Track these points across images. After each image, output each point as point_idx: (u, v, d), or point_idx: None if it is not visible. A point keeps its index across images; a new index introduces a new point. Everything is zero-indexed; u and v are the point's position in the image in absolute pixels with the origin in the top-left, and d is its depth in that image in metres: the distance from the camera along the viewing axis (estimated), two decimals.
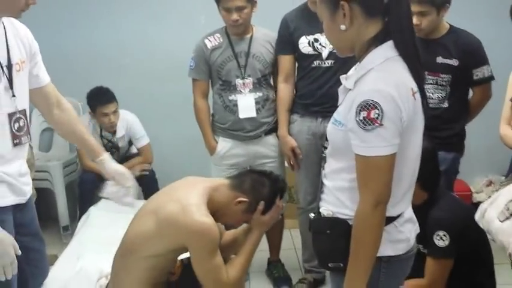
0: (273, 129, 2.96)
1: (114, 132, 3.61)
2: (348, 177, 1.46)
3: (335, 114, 1.48)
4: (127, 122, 3.59)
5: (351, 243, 1.43)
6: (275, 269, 3.16)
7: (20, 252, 1.74)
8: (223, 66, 2.84)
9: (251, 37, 2.85)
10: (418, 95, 1.42)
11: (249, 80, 2.84)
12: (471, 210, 2.21)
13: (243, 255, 1.96)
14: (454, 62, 2.55)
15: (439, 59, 2.56)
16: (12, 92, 1.80)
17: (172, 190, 1.98)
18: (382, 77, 1.37)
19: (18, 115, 1.84)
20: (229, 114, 2.88)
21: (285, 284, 3.08)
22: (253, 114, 2.86)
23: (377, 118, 1.33)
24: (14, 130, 1.83)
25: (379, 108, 1.33)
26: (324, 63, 2.71)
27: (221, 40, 2.86)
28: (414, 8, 2.42)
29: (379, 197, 1.38)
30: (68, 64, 3.89)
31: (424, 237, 2.20)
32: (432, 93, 2.60)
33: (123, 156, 3.68)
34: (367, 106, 1.34)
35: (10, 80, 1.79)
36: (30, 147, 3.20)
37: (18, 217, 1.91)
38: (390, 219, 1.46)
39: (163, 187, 2.17)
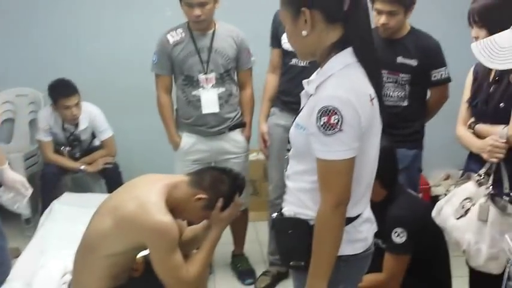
0: (237, 125, 2.99)
1: (76, 125, 3.56)
2: (310, 179, 1.50)
3: (297, 119, 1.52)
4: (90, 115, 3.54)
5: (313, 243, 1.47)
6: (239, 262, 3.21)
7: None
8: (186, 61, 2.83)
9: (213, 32, 2.84)
10: (375, 101, 1.47)
11: (212, 75, 2.84)
12: (429, 208, 2.29)
13: (203, 251, 1.98)
14: (413, 62, 2.61)
15: (399, 59, 2.61)
16: None
17: (131, 188, 1.98)
18: (341, 84, 1.41)
19: None
20: (193, 110, 2.89)
21: (249, 277, 3.14)
22: (216, 109, 2.87)
23: (337, 123, 1.37)
24: None
25: (338, 113, 1.37)
26: (300, 62, 2.73)
27: (183, 35, 2.84)
28: (384, 7, 2.48)
29: (339, 199, 1.43)
30: (29, 53, 3.81)
31: (383, 233, 2.27)
32: (392, 92, 2.66)
33: (85, 149, 3.64)
34: (327, 112, 1.37)
35: None
36: None
37: None
38: (349, 220, 1.51)
39: (127, 180, 2.16)
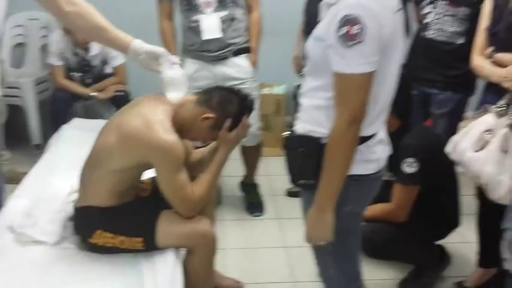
0: (242, 50, 2.86)
1: (87, 50, 3.49)
2: (325, 95, 1.44)
3: (316, 30, 1.45)
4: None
5: (324, 160, 1.43)
6: (249, 193, 3.18)
7: None
8: None
9: None
10: (400, 14, 1.38)
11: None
12: (441, 140, 2.24)
13: (209, 172, 1.94)
14: None
15: None
16: None
17: (137, 105, 1.92)
18: None
19: None
20: (194, 36, 2.78)
21: (257, 210, 3.12)
22: (218, 34, 2.75)
23: (358, 34, 1.30)
24: None
25: (361, 23, 1.29)
26: None
27: None
28: None
29: (354, 115, 1.37)
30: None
31: (394, 166, 2.24)
32: (449, 26, 2.51)
33: (97, 76, 3.59)
34: (349, 21, 1.30)
35: None
36: (2, 61, 3.12)
37: None
38: (363, 139, 1.46)
39: None
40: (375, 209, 2.31)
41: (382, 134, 1.57)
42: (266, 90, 3.77)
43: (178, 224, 1.90)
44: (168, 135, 1.77)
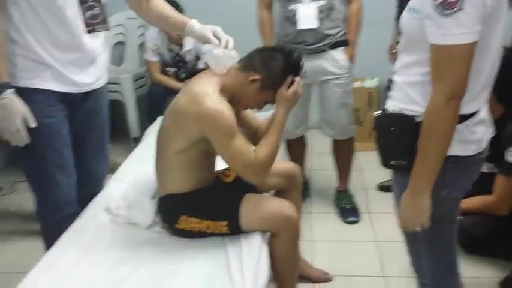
0: (339, 43, 2.74)
1: (181, 46, 3.60)
2: (420, 71, 1.36)
3: (411, 1, 1.36)
4: None
5: (420, 138, 1.34)
6: (343, 199, 3.04)
7: (33, 125, 1.85)
8: None
9: None
10: None
11: None
12: None
13: (271, 133, 1.89)
14: None
15: None
16: None
17: (187, 85, 1.94)
18: None
19: (90, 3, 1.86)
20: (289, 26, 2.70)
21: (351, 215, 2.95)
22: (314, 24, 2.64)
23: (457, 1, 1.20)
24: (85, 17, 1.86)
25: None
26: None
27: None
28: None
29: (454, 90, 1.27)
30: None
31: (496, 156, 2.08)
32: None
33: (190, 71, 3.68)
34: None
35: None
36: None
37: (76, 107, 2.01)
38: (463, 118, 1.36)
39: None
40: (474, 201, 2.17)
41: (484, 113, 1.45)
42: (358, 84, 3.68)
43: (262, 207, 1.90)
44: (214, 104, 1.76)
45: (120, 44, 4.21)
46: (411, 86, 1.40)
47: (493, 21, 1.28)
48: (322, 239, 2.76)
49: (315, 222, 2.92)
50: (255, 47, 1.98)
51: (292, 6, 2.66)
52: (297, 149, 3.06)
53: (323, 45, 2.72)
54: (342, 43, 2.76)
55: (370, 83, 3.85)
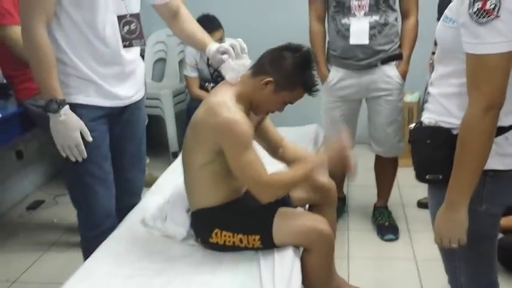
0: (391, 58, 2.68)
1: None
2: (457, 82, 1.33)
3: (446, 11, 1.34)
4: None
5: (456, 151, 1.31)
6: (380, 215, 2.97)
7: (90, 139, 1.91)
8: None
9: None
10: None
11: (365, 1, 2.56)
12: None
13: (298, 169, 1.87)
14: None
15: None
16: None
17: (205, 98, 1.96)
18: None
19: (128, 18, 1.93)
20: (341, 40, 2.66)
21: (389, 233, 2.87)
22: (366, 41, 2.60)
23: (493, 9, 1.18)
24: (123, 33, 1.93)
25: None
26: None
27: None
28: None
29: (491, 101, 1.24)
30: None
31: None
32: None
33: None
34: None
35: None
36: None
37: (115, 120, 2.06)
38: (501, 130, 1.32)
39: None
40: None
41: None
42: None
43: (294, 222, 1.88)
44: (230, 114, 1.76)
45: (161, 61, 4.31)
46: (447, 97, 1.37)
47: None
48: (359, 256, 2.71)
49: (352, 239, 2.87)
50: None
51: (344, 20, 2.63)
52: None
53: (374, 60, 2.67)
54: (395, 57, 2.70)
55: (411, 98, 3.78)
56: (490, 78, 1.23)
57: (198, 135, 1.86)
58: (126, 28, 1.94)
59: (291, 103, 1.94)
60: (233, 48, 1.98)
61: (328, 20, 2.76)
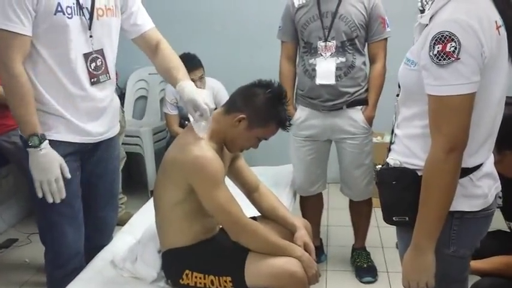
0: (357, 102, 2.68)
1: None
2: (420, 123, 1.34)
3: (408, 54, 1.36)
4: (213, 90, 3.60)
5: (421, 192, 1.30)
6: (358, 257, 2.94)
7: (69, 176, 1.88)
8: (306, 27, 2.63)
9: None
10: (503, 30, 1.25)
11: (332, 43, 2.59)
12: None
13: (271, 235, 1.89)
14: None
15: None
16: (90, 33, 1.91)
17: (176, 138, 1.98)
18: (461, 8, 1.23)
19: (94, 55, 1.93)
20: (307, 79, 2.68)
21: (367, 275, 2.84)
22: (332, 81, 2.60)
23: (453, 52, 1.19)
24: (90, 69, 1.92)
25: (456, 40, 1.19)
26: None
27: None
28: None
29: (453, 142, 1.24)
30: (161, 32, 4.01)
31: None
32: None
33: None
34: (442, 38, 1.20)
35: (90, 22, 1.91)
36: (122, 111, 3.36)
37: (87, 157, 2.03)
38: (466, 171, 1.32)
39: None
40: (494, 262, 2.05)
41: (489, 166, 1.40)
42: (377, 139, 3.63)
43: (267, 263, 1.84)
44: (200, 152, 1.77)
45: (142, 98, 4.31)
46: (412, 139, 1.37)
47: (492, 72, 1.26)
48: None
49: (330, 280, 2.82)
50: None
51: (312, 60, 2.66)
52: (311, 207, 2.96)
53: (340, 102, 2.67)
54: (361, 102, 2.70)
55: (389, 138, 3.79)
56: (452, 120, 1.24)
57: (169, 174, 1.86)
58: (93, 65, 1.94)
59: (265, 139, 1.94)
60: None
61: (298, 60, 2.80)
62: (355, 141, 2.72)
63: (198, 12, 4.06)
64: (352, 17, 2.59)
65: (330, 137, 2.77)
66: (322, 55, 2.63)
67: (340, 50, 2.62)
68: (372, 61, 2.74)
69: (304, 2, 2.65)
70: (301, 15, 2.66)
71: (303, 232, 2.05)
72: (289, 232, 2.08)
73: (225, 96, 3.62)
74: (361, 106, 2.71)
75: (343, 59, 2.62)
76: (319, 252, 2.95)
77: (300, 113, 2.77)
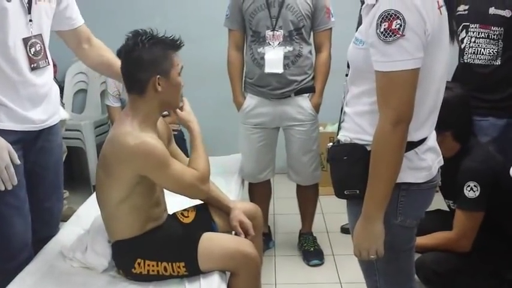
0: (305, 89, 2.75)
1: None
2: (368, 100, 1.40)
3: (356, 34, 1.42)
4: None
5: (370, 164, 1.36)
6: (305, 241, 3.01)
7: (18, 162, 1.83)
8: (254, 16, 2.68)
9: None
10: (444, 10, 1.34)
11: (280, 33, 2.65)
12: (504, 163, 2.10)
13: (195, 149, 1.92)
14: (506, 13, 2.35)
15: (492, 10, 2.37)
16: (30, 17, 1.86)
17: (108, 134, 1.93)
18: None
19: (33, 39, 1.89)
20: (256, 68, 2.73)
21: (315, 258, 2.91)
22: (280, 70, 2.67)
23: (399, 29, 1.26)
24: (30, 54, 1.87)
25: (401, 18, 1.26)
26: None
27: None
28: None
29: (400, 115, 1.31)
30: (101, 25, 3.89)
31: (454, 192, 2.12)
32: (484, 49, 2.41)
33: None
34: (388, 16, 1.27)
35: (29, 6, 1.86)
36: (62, 104, 3.27)
37: (29, 146, 1.98)
38: (411, 145, 1.39)
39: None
40: (436, 237, 2.18)
41: (432, 141, 1.49)
42: (320, 129, 3.72)
43: (219, 245, 1.87)
44: (138, 140, 1.72)
45: (82, 92, 4.20)
46: (360, 116, 1.43)
47: (435, 49, 1.34)
48: (286, 282, 2.72)
49: (279, 265, 2.88)
50: None
51: (260, 49, 2.70)
52: (260, 194, 3.01)
53: (288, 90, 2.73)
54: (308, 89, 2.77)
55: (332, 128, 3.90)
56: (398, 94, 1.30)
57: (110, 170, 1.80)
58: (33, 50, 1.89)
59: (180, 72, 1.85)
60: None
61: (246, 49, 2.83)
62: (303, 128, 2.79)
63: (141, 7, 4.02)
64: (299, 7, 2.65)
65: (279, 124, 2.83)
66: (270, 44, 2.68)
67: (288, 39, 2.68)
68: (318, 50, 2.81)
69: None
70: (249, 4, 2.69)
71: (236, 212, 2.09)
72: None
73: None
74: (308, 94, 2.78)
75: (291, 48, 2.68)
76: (267, 239, 3.00)
77: (249, 101, 2.81)
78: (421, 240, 2.15)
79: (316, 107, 2.80)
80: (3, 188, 1.81)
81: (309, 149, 2.85)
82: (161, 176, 1.78)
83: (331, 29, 2.77)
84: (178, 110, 1.93)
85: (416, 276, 2.14)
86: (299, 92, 2.76)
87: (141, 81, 1.77)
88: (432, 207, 2.51)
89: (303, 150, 2.84)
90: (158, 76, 1.77)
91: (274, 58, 2.68)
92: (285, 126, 2.84)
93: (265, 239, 2.87)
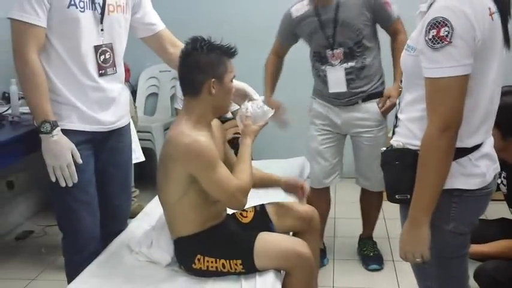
0: (372, 96, 2.71)
1: None
2: (420, 107, 1.41)
3: (408, 41, 1.44)
4: None
5: (417, 168, 1.38)
6: (365, 246, 3.01)
7: (80, 161, 1.97)
8: (311, 37, 2.68)
9: (337, 2, 2.57)
10: (496, 16, 1.33)
11: (340, 50, 2.62)
12: None
13: (241, 161, 1.95)
14: None
15: None
16: (102, 27, 2.02)
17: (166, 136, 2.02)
18: None
19: (103, 48, 2.03)
20: (321, 83, 2.75)
21: (374, 263, 2.90)
22: (344, 88, 2.67)
23: (447, 36, 1.27)
24: (99, 61, 2.02)
25: (449, 25, 1.27)
26: None
27: (308, 8, 2.64)
28: None
29: (447, 122, 1.31)
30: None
31: None
32: None
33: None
34: (436, 24, 1.29)
35: (102, 16, 2.01)
36: (135, 107, 3.45)
37: (100, 146, 2.12)
38: (464, 151, 1.39)
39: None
40: (498, 246, 2.14)
41: (488, 147, 1.47)
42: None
43: (275, 245, 1.92)
44: (191, 138, 1.81)
45: (153, 95, 4.41)
46: (412, 121, 1.45)
47: (487, 55, 1.34)
48: (344, 286, 2.73)
49: (337, 269, 2.90)
50: None
51: (323, 67, 2.70)
52: (319, 201, 2.88)
53: (355, 98, 2.72)
54: (375, 95, 2.72)
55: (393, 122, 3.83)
56: (445, 100, 1.31)
57: (166, 170, 1.91)
58: (102, 57, 2.04)
59: (234, 78, 1.96)
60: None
61: (311, 62, 2.83)
62: (371, 134, 2.75)
63: (203, 13, 4.16)
64: (355, 21, 2.58)
65: (347, 131, 2.82)
66: (331, 63, 2.67)
67: (349, 56, 2.64)
68: (393, 36, 2.70)
69: (303, 12, 2.67)
70: (303, 27, 2.70)
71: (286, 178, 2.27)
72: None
73: None
74: (376, 99, 2.73)
75: (353, 63, 2.65)
76: (322, 256, 2.93)
77: (317, 106, 2.83)
78: (483, 248, 2.11)
79: (395, 94, 2.64)
80: (64, 184, 1.96)
81: (378, 155, 2.80)
82: (206, 177, 1.85)
83: (399, 17, 2.68)
84: (239, 121, 2.02)
85: (476, 284, 2.13)
86: (367, 99, 2.73)
87: (197, 83, 1.88)
88: (497, 215, 2.47)
89: (373, 156, 2.77)
90: (213, 79, 1.87)
91: (336, 78, 2.67)
92: (352, 133, 2.82)
93: (320, 256, 2.78)
